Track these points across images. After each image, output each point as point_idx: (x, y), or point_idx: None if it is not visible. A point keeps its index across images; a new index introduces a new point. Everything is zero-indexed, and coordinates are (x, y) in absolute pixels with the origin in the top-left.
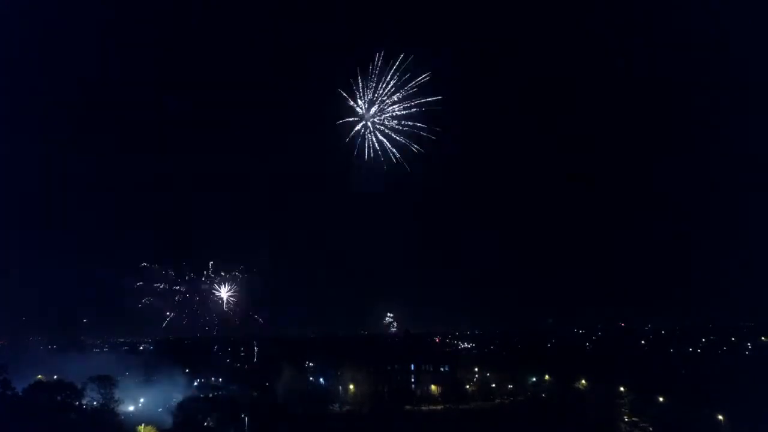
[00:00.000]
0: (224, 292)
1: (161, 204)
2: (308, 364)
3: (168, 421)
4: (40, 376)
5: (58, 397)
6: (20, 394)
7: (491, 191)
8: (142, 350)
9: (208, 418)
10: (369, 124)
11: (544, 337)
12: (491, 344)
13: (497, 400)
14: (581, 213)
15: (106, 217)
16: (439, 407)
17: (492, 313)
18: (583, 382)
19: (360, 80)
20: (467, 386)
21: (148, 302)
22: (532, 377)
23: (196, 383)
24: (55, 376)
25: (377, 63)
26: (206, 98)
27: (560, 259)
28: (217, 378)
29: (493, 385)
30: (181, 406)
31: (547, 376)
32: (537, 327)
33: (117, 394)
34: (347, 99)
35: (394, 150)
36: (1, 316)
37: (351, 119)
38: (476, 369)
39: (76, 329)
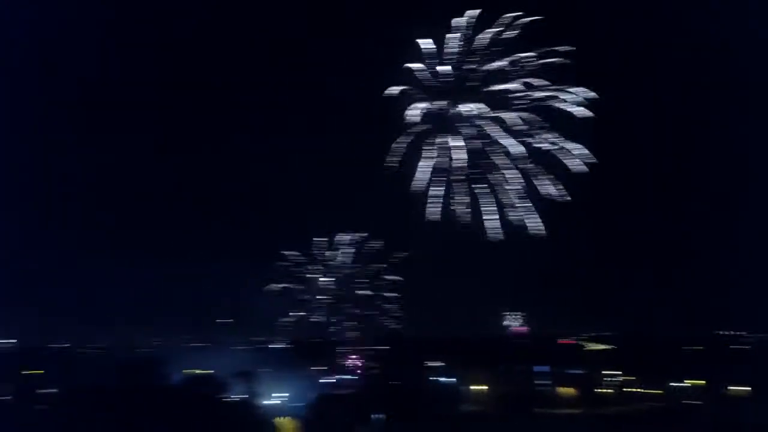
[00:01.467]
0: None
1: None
2: (431, 363)
3: (303, 414)
4: (188, 370)
5: (210, 389)
6: (176, 385)
7: None
8: (274, 348)
9: (340, 414)
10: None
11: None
12: (625, 345)
13: (636, 406)
14: None
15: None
16: (570, 411)
17: (622, 314)
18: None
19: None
20: (601, 389)
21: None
22: (680, 382)
23: (329, 380)
24: (197, 371)
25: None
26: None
27: None
28: (349, 376)
29: (633, 390)
30: (314, 401)
31: (695, 381)
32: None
33: (258, 388)
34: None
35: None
36: (160, 318)
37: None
38: (612, 372)
39: (213, 328)
